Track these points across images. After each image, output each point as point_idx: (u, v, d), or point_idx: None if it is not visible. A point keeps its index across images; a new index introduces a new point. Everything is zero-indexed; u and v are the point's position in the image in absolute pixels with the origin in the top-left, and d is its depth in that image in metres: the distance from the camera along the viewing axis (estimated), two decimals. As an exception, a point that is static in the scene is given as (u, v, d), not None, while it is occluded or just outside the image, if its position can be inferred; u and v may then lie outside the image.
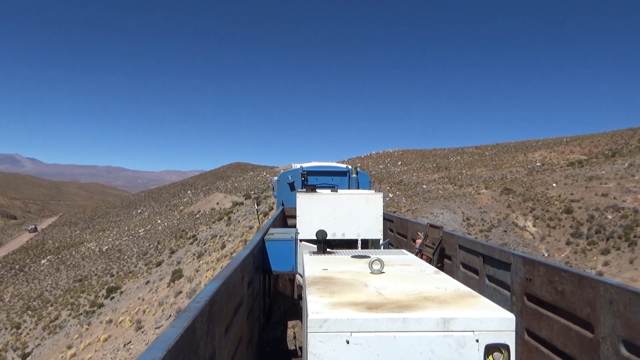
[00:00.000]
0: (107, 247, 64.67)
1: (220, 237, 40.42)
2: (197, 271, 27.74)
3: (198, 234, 59.08)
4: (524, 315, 4.25)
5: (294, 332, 6.17)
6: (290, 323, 6.51)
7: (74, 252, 65.31)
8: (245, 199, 72.58)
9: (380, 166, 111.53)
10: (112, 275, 49.63)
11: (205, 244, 42.71)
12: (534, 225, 38.84)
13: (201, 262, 30.27)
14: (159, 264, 48.36)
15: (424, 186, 66.34)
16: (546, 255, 33.36)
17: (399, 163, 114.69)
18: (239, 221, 47.18)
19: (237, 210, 62.12)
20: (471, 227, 36.67)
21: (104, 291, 43.36)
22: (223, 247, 31.98)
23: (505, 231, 36.61)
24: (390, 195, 61.58)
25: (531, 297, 4.17)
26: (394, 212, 41.42)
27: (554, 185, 48.30)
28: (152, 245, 59.82)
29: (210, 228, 58.74)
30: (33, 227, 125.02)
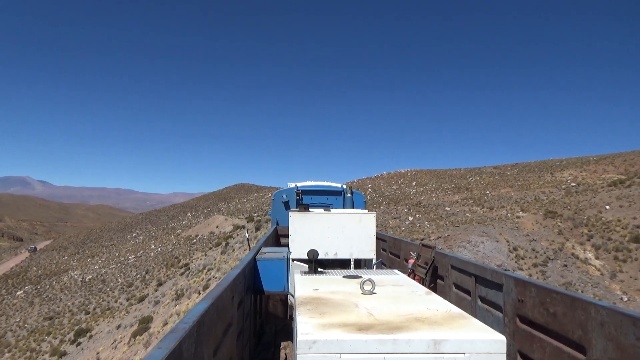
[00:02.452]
0: (90, 277, 57.62)
1: (209, 270, 33.53)
2: (166, 324, 20.77)
3: (191, 262, 52.25)
4: (516, 337, 4.16)
5: (285, 354, 5.94)
6: (282, 344, 6.24)
7: (54, 282, 58.33)
8: (247, 222, 66.25)
9: (394, 187, 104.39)
10: (87, 313, 42.52)
11: (192, 278, 35.73)
12: (597, 258, 31.21)
13: (175, 309, 23.38)
14: (141, 300, 41.40)
15: (447, 208, 58.94)
16: (625, 299, 25.75)
17: (414, 184, 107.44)
18: (233, 249, 40.32)
19: (237, 235, 55.73)
20: (521, 260, 29.20)
21: (71, 334, 36.24)
22: (206, 287, 25.03)
23: (566, 265, 29.03)
24: (410, 218, 54.17)
25: (523, 318, 4.10)
26: (422, 239, 34.18)
27: (607, 207, 40.73)
28: (139, 275, 52.76)
29: (206, 255, 52.00)
30: (33, 247, 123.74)
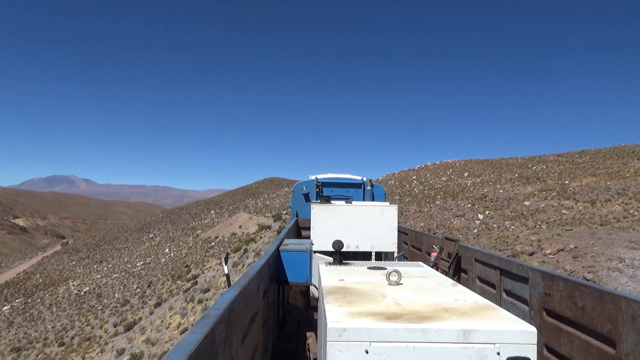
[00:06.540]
0: (87, 289, 48.37)
1: (200, 301, 22.99)
2: None
3: (202, 272, 41.95)
4: (543, 331, 4.10)
5: (308, 344, 5.94)
6: (306, 334, 6.24)
7: (47, 295, 49.68)
8: (274, 221, 55.54)
9: (443, 178, 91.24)
10: (62, 344, 32.69)
11: (194, 297, 25.14)
12: None
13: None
14: (128, 329, 31.24)
15: (526, 203, 45.89)
16: None
17: (466, 174, 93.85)
18: (243, 264, 29.80)
19: (260, 238, 45.24)
20: None
21: (25, 382, 26.47)
22: (183, 332, 14.42)
23: None
24: (480, 216, 41.67)
25: (550, 312, 4.03)
26: (532, 253, 22.19)
27: None
28: (139, 290, 42.80)
29: (220, 264, 41.60)
30: (65, 241, 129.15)
